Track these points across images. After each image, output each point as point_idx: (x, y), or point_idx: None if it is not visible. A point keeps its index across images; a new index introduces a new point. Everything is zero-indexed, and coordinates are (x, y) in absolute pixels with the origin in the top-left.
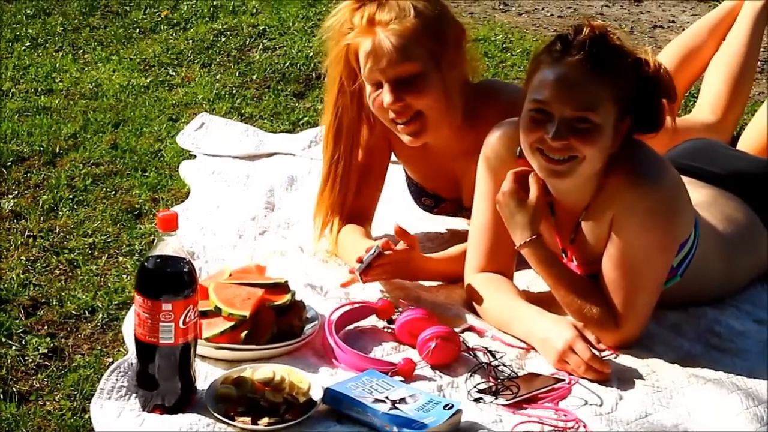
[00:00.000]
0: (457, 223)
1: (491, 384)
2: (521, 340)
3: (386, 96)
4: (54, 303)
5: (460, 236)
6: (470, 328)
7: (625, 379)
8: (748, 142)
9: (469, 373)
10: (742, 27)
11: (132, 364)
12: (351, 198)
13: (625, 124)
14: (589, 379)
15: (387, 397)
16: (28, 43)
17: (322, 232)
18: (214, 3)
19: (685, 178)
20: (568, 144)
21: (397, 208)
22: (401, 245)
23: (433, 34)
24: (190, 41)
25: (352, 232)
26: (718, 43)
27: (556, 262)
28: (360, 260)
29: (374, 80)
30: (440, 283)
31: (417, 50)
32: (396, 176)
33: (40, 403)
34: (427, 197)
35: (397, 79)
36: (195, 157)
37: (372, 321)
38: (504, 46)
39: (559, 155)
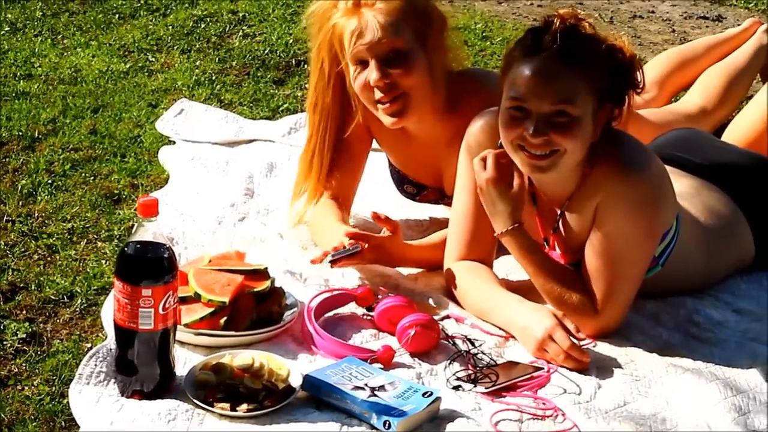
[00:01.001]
0: (439, 210)
1: (470, 372)
2: (501, 329)
3: (373, 73)
4: (32, 288)
5: (441, 224)
6: (449, 316)
7: (603, 368)
8: (734, 134)
9: (448, 361)
10: (748, 47)
11: (111, 349)
12: (327, 178)
13: (605, 111)
14: (568, 368)
15: (366, 384)
16: (6, 28)
17: (294, 201)
18: None
19: (668, 168)
20: (548, 139)
21: (379, 195)
22: (384, 232)
23: (419, 14)
24: (170, 27)
25: (329, 212)
26: (713, 60)
27: (536, 251)
28: (337, 249)
29: (359, 58)
30: (420, 270)
31: (403, 28)
32: (378, 163)
33: (19, 388)
34: (409, 185)
35: (384, 55)
36: (174, 143)
37: (351, 308)
38: (484, 34)
39: (540, 150)
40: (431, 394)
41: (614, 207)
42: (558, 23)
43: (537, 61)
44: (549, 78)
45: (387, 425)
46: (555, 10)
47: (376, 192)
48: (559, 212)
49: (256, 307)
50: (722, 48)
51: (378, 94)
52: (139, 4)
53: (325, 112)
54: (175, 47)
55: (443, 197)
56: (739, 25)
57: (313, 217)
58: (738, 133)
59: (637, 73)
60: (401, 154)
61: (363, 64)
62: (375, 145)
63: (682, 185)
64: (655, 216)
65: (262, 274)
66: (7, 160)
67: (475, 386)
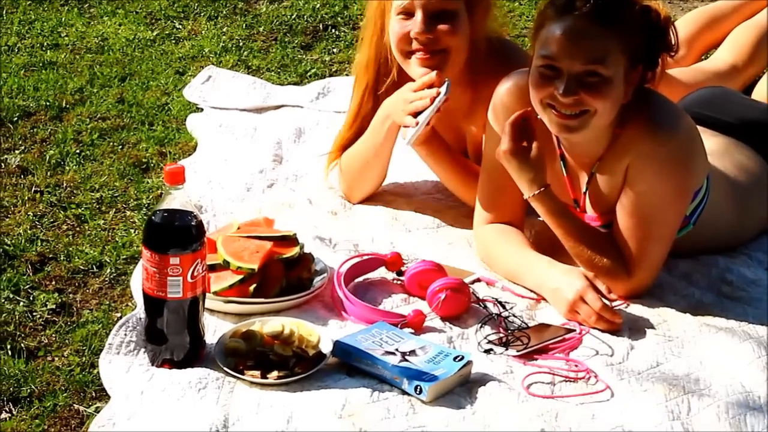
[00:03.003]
0: None
1: (502, 335)
2: (532, 291)
3: (418, 25)
4: (62, 258)
5: None
6: (480, 279)
7: (636, 329)
8: (764, 92)
9: (480, 325)
10: None
11: (140, 318)
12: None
13: (637, 72)
14: (600, 329)
15: (397, 350)
16: None
17: (330, 161)
18: None
19: (698, 127)
20: (578, 99)
21: (405, 158)
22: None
23: None
24: None
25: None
26: (743, 19)
27: (565, 213)
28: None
29: (406, 9)
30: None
31: None
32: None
33: (49, 359)
34: None
35: (433, 10)
36: (202, 110)
37: (381, 273)
38: None
39: (570, 110)
40: (462, 358)
41: (645, 166)
42: None
43: (569, 21)
44: (581, 37)
45: (418, 390)
46: None
47: (401, 156)
48: (589, 173)
49: (286, 273)
50: (752, 6)
51: (415, 45)
52: None
53: (380, 66)
54: (202, 14)
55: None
56: None
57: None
58: (767, 89)
59: (671, 35)
60: None
61: (408, 15)
62: None
63: (712, 144)
64: (686, 175)
65: (291, 240)
66: (35, 130)
67: (507, 349)
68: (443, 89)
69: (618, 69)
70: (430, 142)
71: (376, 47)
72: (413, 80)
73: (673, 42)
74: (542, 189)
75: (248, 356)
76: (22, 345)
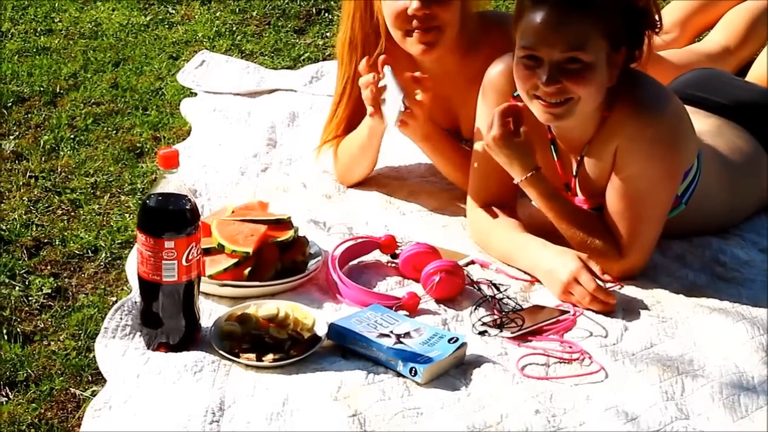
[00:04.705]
0: None
1: (496, 317)
2: (525, 273)
3: (414, 2)
4: (57, 243)
5: None
6: (474, 261)
7: (630, 310)
8: (757, 73)
9: (474, 307)
10: None
11: (136, 302)
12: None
13: (620, 54)
14: (594, 311)
15: (392, 332)
16: None
17: (322, 143)
18: None
19: (689, 108)
20: (561, 87)
21: (398, 141)
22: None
23: None
24: None
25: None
26: (737, 1)
27: (557, 196)
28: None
29: None
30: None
31: None
32: None
33: (45, 343)
34: None
35: None
36: (196, 94)
37: (376, 256)
38: None
39: (554, 99)
40: (457, 339)
41: (634, 148)
42: None
43: (546, 9)
44: (558, 25)
45: (413, 372)
46: None
47: (395, 139)
48: (579, 157)
49: (280, 256)
50: None
51: (414, 23)
52: None
53: (366, 44)
54: None
55: (460, 140)
56: None
57: (342, 148)
58: (760, 71)
59: (653, 12)
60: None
61: None
62: None
63: (704, 124)
64: (675, 155)
65: (285, 223)
66: (30, 115)
67: (501, 331)
68: (386, 70)
69: (599, 53)
70: (423, 128)
71: (361, 23)
72: (399, 53)
73: (656, 18)
74: (532, 173)
75: (244, 339)
76: (18, 329)
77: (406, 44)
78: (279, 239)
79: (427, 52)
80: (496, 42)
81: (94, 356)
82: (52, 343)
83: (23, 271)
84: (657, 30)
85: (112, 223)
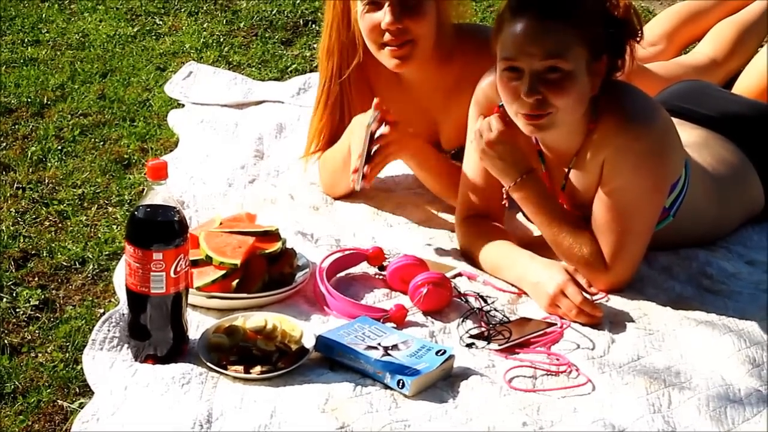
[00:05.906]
0: None
1: (483, 329)
2: (513, 285)
3: (387, 16)
4: (44, 254)
5: None
6: (461, 274)
7: (616, 323)
8: (743, 85)
9: (461, 319)
10: (761, 2)
11: (123, 314)
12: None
13: (601, 63)
14: (580, 323)
15: (379, 344)
16: None
17: (306, 153)
18: None
19: (676, 120)
20: (542, 99)
21: None
22: (384, 128)
23: None
24: None
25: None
26: (725, 14)
27: (549, 197)
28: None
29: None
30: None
31: None
32: None
33: (32, 355)
34: None
35: (400, 0)
36: (183, 106)
37: (363, 268)
38: None
39: (535, 111)
40: (444, 352)
41: (621, 161)
42: None
43: (523, 19)
44: (537, 34)
45: (401, 384)
46: None
47: None
48: (566, 169)
49: (268, 268)
50: (733, 2)
51: (387, 37)
52: None
53: (342, 52)
54: (183, 10)
55: (440, 151)
56: None
57: (323, 162)
58: (747, 83)
59: (634, 21)
60: (397, 105)
61: (375, 4)
62: None
63: (691, 136)
64: (662, 168)
65: (273, 235)
66: (17, 127)
67: (489, 343)
68: (368, 117)
69: (579, 61)
70: (406, 149)
71: (338, 32)
72: (378, 63)
73: (637, 27)
74: (523, 176)
75: (231, 351)
76: (6, 341)
77: (381, 57)
78: (267, 251)
79: (401, 65)
80: (472, 53)
81: (81, 368)
82: (40, 354)
83: (10, 282)
84: (638, 39)
85: (99, 235)
